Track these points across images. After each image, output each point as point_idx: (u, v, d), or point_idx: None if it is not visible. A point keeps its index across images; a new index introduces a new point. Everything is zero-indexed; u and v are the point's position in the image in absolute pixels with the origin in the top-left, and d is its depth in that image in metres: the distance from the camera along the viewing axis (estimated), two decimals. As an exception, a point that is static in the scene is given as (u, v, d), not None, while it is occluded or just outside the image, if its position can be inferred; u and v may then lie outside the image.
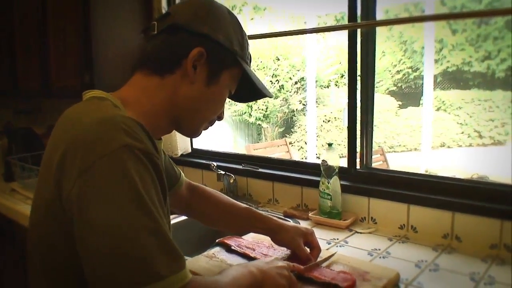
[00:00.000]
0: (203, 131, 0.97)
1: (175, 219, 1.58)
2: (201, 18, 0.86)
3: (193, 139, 2.21)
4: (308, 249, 1.14)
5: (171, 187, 1.14)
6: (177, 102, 0.87)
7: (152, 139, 0.75)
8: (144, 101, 0.85)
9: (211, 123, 0.97)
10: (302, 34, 4.92)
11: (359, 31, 1.56)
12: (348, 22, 1.57)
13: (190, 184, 1.23)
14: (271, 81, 7.14)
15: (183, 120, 0.91)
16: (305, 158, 6.74)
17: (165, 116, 0.88)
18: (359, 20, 1.54)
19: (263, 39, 6.69)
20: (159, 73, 0.86)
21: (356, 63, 1.58)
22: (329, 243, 1.37)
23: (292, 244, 1.13)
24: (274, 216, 1.57)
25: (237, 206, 1.20)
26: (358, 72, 1.58)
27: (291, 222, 1.26)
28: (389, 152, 7.21)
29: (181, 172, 1.21)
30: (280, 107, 7.38)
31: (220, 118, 0.97)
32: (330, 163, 1.52)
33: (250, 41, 0.97)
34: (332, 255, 1.15)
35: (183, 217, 1.60)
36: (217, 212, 1.22)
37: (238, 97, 1.02)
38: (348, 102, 1.61)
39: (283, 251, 1.19)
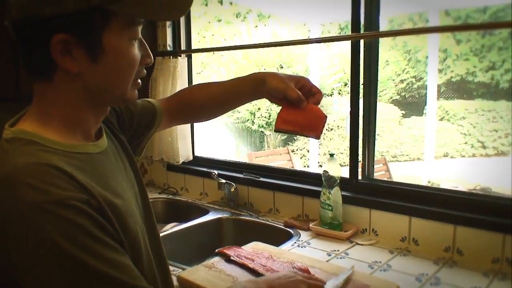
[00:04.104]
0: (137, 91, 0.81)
1: (173, 229, 1.57)
2: None
3: (195, 147, 2.20)
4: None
5: (153, 125, 1.06)
6: (84, 95, 0.73)
7: (73, 177, 0.64)
8: (55, 113, 0.73)
9: (138, 78, 0.79)
10: (305, 44, 4.91)
11: (362, 40, 1.55)
12: (352, 32, 1.57)
13: (168, 100, 1.14)
14: (274, 88, 7.14)
15: (104, 103, 0.78)
16: (307, 167, 6.73)
17: (85, 112, 0.76)
18: (362, 30, 1.54)
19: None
20: (44, 78, 0.72)
21: (359, 72, 1.57)
22: (329, 255, 1.35)
23: (281, 87, 0.97)
24: (276, 225, 1.58)
25: (224, 83, 1.11)
26: (361, 82, 1.58)
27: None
28: (392, 161, 7.19)
29: (153, 101, 1.09)
30: (283, 114, 7.37)
31: (147, 63, 0.78)
32: (331, 173, 1.51)
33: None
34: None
35: (182, 226, 1.59)
36: (206, 99, 1.11)
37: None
38: (350, 112, 1.60)
39: (282, 263, 1.17)
